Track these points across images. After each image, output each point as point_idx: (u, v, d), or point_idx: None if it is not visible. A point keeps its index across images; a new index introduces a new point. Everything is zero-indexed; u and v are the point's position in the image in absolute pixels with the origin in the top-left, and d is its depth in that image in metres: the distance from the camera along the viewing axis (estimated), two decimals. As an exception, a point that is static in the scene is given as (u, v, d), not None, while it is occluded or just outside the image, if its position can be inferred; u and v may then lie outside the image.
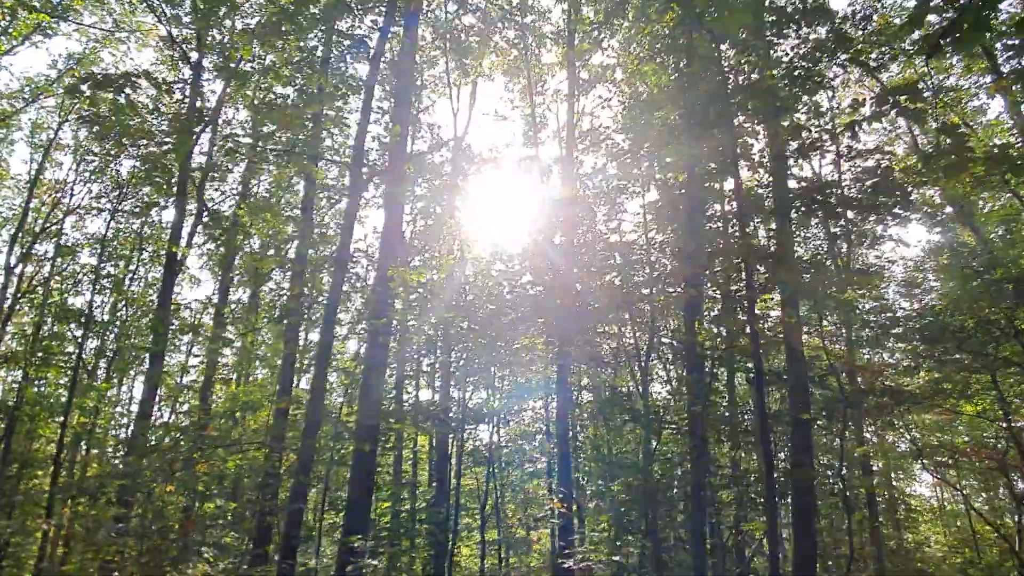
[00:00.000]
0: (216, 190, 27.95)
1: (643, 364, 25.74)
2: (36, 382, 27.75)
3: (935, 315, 13.45)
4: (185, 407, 31.74)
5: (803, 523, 12.27)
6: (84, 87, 13.25)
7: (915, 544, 25.76)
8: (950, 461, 16.70)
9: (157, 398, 21.96)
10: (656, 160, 17.86)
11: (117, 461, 23.31)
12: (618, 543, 20.78)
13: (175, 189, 24.23)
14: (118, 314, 31.18)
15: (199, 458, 9.84)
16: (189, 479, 12.39)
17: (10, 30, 26.69)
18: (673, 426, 17.02)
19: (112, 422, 34.00)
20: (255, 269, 24.90)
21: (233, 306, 28.63)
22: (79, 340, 28.10)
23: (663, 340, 26.65)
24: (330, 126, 18.40)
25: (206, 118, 15.76)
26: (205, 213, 26.81)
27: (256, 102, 18.43)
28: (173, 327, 23.94)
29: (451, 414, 21.77)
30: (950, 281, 14.33)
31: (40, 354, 26.42)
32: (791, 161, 12.27)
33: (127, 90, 13.62)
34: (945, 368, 14.04)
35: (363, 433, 10.70)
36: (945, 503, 36.69)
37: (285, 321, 17.71)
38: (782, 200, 12.29)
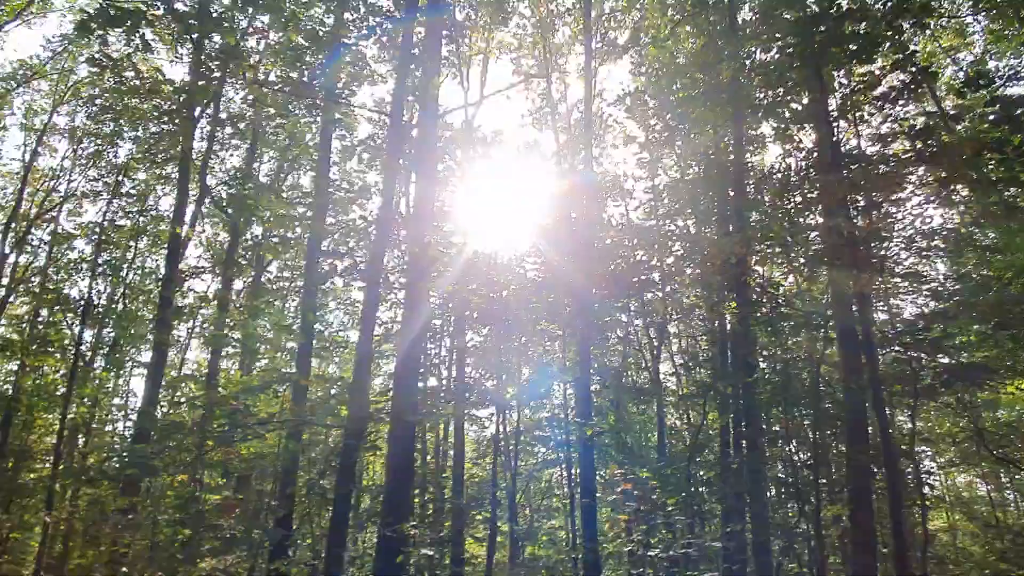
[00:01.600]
0: (219, 170, 27.28)
1: (655, 353, 25.21)
2: (33, 372, 26.93)
3: (1006, 284, 12.69)
4: (183, 402, 30.98)
5: (860, 499, 11.63)
6: (95, 24, 12.38)
7: (935, 531, 25.24)
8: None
9: (161, 382, 21.14)
10: (693, 127, 17.15)
11: (118, 449, 22.51)
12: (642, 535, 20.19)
13: (178, 169, 23.55)
14: (116, 303, 30.36)
15: (235, 436, 9.01)
16: (217, 463, 11.62)
17: (3, 6, 25.82)
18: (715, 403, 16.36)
19: (109, 415, 33.28)
20: (266, 245, 24.09)
21: (238, 291, 27.81)
22: (78, 330, 27.27)
23: (670, 326, 26.11)
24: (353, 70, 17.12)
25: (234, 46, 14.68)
26: (208, 199, 26.05)
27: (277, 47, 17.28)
28: (181, 306, 23.17)
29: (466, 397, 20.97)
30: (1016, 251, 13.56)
31: (38, 342, 25.59)
32: (887, 106, 11.50)
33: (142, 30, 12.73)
34: (1010, 342, 13.30)
35: (402, 407, 9.87)
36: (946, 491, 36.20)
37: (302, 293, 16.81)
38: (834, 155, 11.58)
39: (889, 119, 11.25)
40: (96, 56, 17.32)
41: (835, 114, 12.32)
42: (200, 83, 14.50)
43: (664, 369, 28.19)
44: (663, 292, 22.76)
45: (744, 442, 14.32)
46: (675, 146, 19.39)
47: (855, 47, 10.16)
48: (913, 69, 10.43)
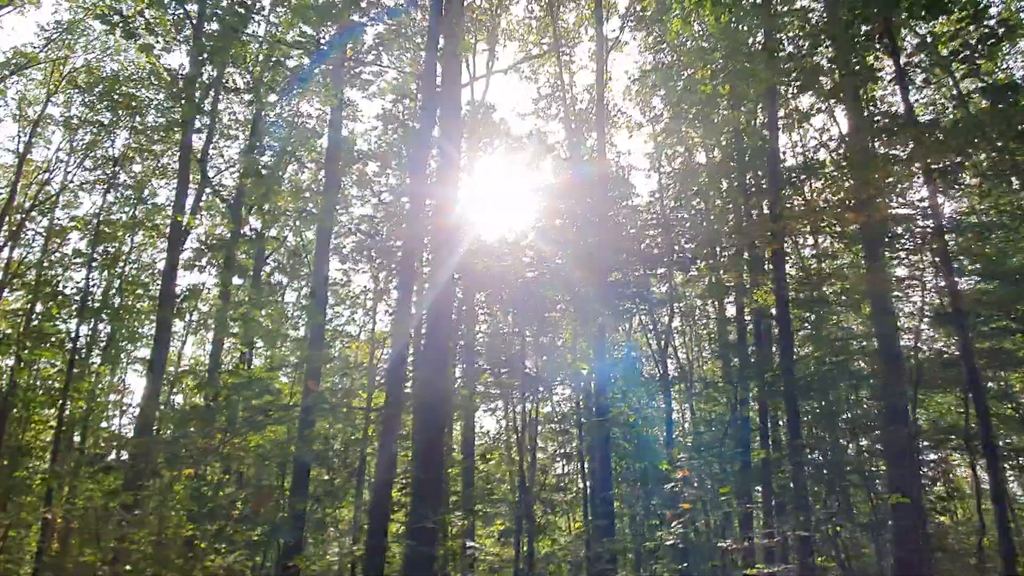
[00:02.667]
0: (220, 156, 26.75)
1: (663, 345, 24.75)
2: (30, 367, 26.30)
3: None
4: (179, 398, 30.38)
5: (901, 489, 11.10)
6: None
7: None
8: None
9: (163, 375, 20.56)
10: (714, 107, 16.60)
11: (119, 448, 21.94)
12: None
13: (177, 158, 22.99)
14: (112, 297, 29.69)
15: (266, 421, 8.34)
16: (237, 453, 11.01)
17: (-6, -8, 25.16)
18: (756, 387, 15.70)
19: (104, 412, 32.70)
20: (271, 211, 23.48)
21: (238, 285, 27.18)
22: (75, 324, 26.59)
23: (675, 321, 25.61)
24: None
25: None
26: (209, 189, 25.43)
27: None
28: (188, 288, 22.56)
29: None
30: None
31: (33, 336, 24.92)
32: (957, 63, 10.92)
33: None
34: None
35: (432, 372, 9.16)
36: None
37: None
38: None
39: (969, 77, 10.70)
40: (107, 13, 16.42)
41: (861, 80, 11.62)
42: (217, 44, 13.70)
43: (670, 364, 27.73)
44: (669, 285, 22.28)
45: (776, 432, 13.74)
46: (692, 128, 18.82)
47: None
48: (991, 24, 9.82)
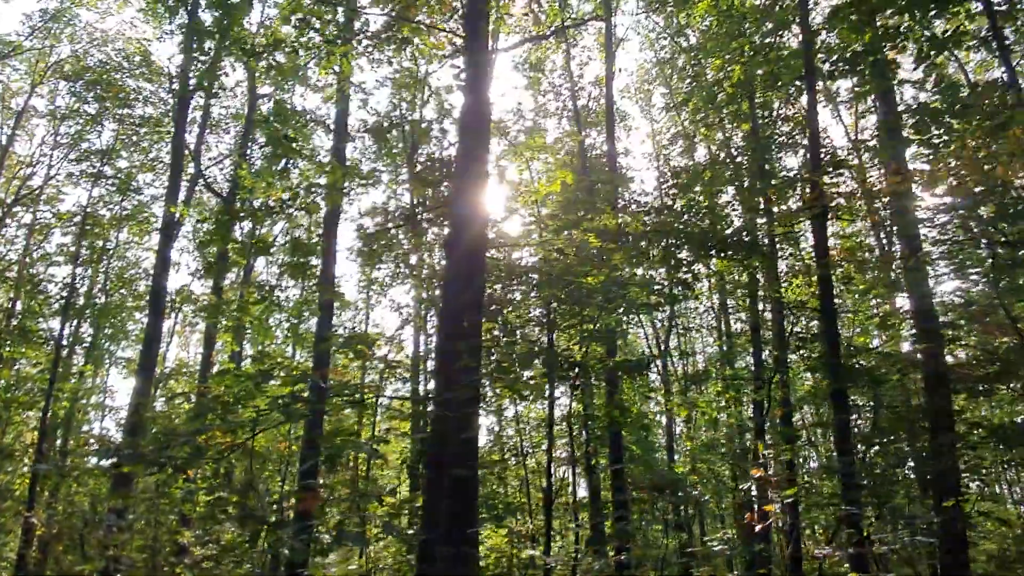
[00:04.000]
0: (215, 147, 26.05)
1: (663, 347, 24.32)
2: (9, 366, 25.32)
3: None
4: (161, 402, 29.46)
5: (946, 490, 10.57)
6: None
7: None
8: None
9: (154, 373, 19.74)
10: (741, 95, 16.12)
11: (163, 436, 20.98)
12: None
13: (170, 149, 22.27)
14: (97, 295, 28.79)
15: (298, 409, 7.57)
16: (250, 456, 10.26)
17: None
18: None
19: (86, 415, 31.84)
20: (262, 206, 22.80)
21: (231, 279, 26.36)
22: (60, 322, 25.63)
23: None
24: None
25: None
26: (201, 181, 24.64)
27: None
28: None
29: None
30: None
31: (15, 333, 23.96)
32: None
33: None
34: None
35: (463, 378, 8.36)
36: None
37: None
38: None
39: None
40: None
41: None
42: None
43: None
44: (669, 283, 21.77)
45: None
46: (713, 114, 18.30)
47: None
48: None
